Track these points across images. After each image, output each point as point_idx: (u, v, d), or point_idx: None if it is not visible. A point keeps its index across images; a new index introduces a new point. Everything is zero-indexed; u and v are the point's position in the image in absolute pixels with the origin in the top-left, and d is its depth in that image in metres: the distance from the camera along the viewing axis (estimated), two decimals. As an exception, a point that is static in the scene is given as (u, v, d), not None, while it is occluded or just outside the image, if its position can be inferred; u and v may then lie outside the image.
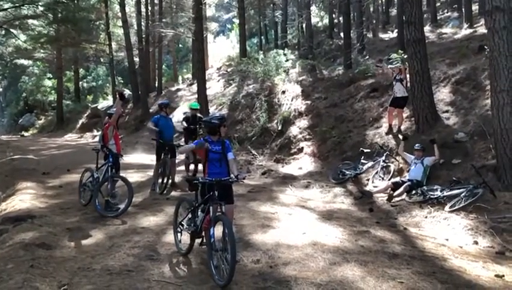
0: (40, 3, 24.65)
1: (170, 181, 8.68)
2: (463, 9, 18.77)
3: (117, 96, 7.84)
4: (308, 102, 13.93)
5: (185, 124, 9.84)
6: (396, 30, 18.24)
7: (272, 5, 27.39)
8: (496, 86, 7.62)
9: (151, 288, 4.29)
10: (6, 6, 24.79)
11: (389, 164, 9.53)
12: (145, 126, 20.38)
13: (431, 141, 8.71)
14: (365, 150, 9.98)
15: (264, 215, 6.93)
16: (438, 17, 20.46)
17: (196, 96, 16.47)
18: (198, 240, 5.01)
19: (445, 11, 22.52)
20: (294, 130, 12.83)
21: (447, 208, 7.23)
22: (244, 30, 23.74)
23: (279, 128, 13.37)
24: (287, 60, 17.38)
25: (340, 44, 19.55)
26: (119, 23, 26.34)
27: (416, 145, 8.74)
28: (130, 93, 24.16)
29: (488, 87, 8.96)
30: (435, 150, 8.53)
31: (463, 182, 7.81)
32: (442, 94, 10.64)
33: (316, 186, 9.47)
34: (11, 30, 26.90)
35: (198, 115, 10.00)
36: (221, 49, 31.16)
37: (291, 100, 14.51)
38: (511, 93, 7.53)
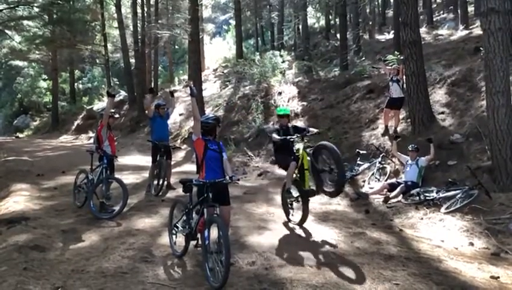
0: (35, 4, 24.60)
1: (166, 183, 8.64)
2: (459, 10, 18.87)
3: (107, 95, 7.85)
4: (305, 103, 13.94)
5: (276, 136, 6.47)
6: (392, 31, 18.28)
7: (268, 7, 27.42)
8: (491, 87, 7.64)
9: (146, 291, 4.26)
10: (1, 7, 24.69)
11: (385, 165, 9.54)
12: (141, 127, 20.38)
13: (428, 140, 8.72)
14: (361, 152, 9.99)
15: (259, 217, 6.91)
16: (434, 19, 20.56)
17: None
18: (193, 242, 4.98)
19: (441, 12, 22.62)
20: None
21: (442, 209, 7.24)
22: (240, 31, 23.75)
23: (276, 129, 13.33)
24: (283, 62, 17.39)
25: (337, 45, 19.59)
26: (115, 24, 26.28)
27: (410, 146, 8.76)
28: (120, 91, 24.03)
29: (483, 88, 8.99)
30: (431, 149, 8.53)
31: (458, 183, 7.82)
32: (438, 95, 10.66)
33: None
34: (6, 31, 26.80)
35: (292, 124, 7.07)
36: (218, 50, 31.12)
37: (288, 101, 14.51)
38: (506, 95, 7.55)
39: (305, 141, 6.47)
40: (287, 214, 6.64)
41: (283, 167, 6.62)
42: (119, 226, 6.40)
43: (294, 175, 6.28)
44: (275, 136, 6.38)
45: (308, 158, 6.18)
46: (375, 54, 17.33)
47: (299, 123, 12.82)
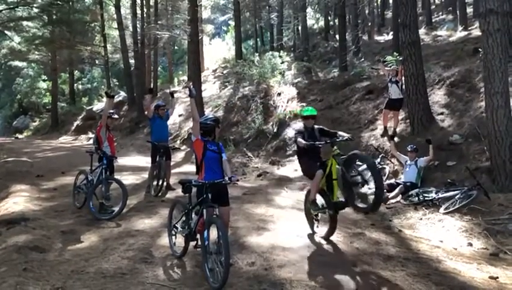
0: (34, 5, 24.60)
1: (165, 183, 8.65)
2: (458, 11, 18.90)
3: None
4: (304, 104, 13.91)
5: (302, 140, 5.73)
6: (391, 32, 18.32)
7: (267, 7, 27.44)
8: (490, 88, 7.66)
9: (145, 291, 4.27)
10: (0, 7, 24.69)
11: (384, 166, 9.55)
12: (141, 128, 20.39)
13: (427, 140, 8.73)
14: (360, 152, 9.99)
15: (259, 217, 6.91)
16: (433, 20, 20.60)
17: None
18: (192, 243, 4.98)
19: (440, 13, 22.66)
20: (289, 132, 12.81)
21: (441, 210, 7.26)
22: (239, 32, 23.78)
23: (275, 130, 13.36)
24: (282, 62, 17.40)
25: (336, 46, 19.62)
26: (115, 25, 26.29)
27: (409, 146, 8.77)
28: (119, 92, 24.04)
29: (482, 89, 9.01)
30: (430, 150, 8.55)
31: (457, 184, 7.84)
32: (437, 96, 10.68)
33: (312, 188, 9.45)
34: (6, 32, 26.82)
35: (319, 126, 6.18)
36: (217, 51, 31.15)
37: (287, 102, 14.52)
38: (505, 96, 7.57)
39: (335, 147, 5.61)
40: (311, 226, 6.06)
41: (308, 175, 5.93)
42: (119, 227, 6.40)
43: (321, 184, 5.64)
44: (301, 140, 5.68)
45: (338, 167, 5.46)
46: (374, 55, 17.36)
47: (299, 124, 12.87)
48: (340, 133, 6.01)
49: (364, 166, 5.56)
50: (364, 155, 5.62)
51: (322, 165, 5.64)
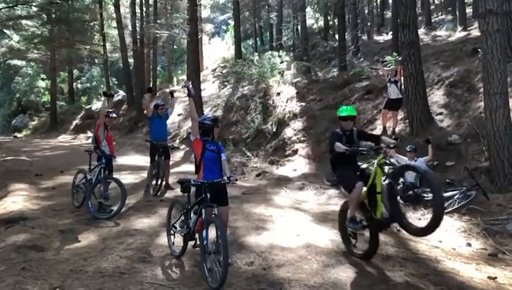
0: (33, 4, 24.54)
1: (164, 183, 8.64)
2: (457, 12, 18.91)
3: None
4: (303, 104, 13.95)
5: (341, 145, 4.89)
6: (391, 32, 18.33)
7: (266, 7, 27.45)
8: (489, 88, 7.66)
9: (144, 291, 4.27)
10: (-1, 6, 24.65)
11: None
12: (140, 127, 20.38)
13: (426, 140, 8.73)
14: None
15: (258, 217, 6.91)
16: (432, 20, 20.61)
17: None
18: (191, 243, 4.98)
19: (440, 13, 22.67)
20: (288, 132, 12.84)
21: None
22: (239, 32, 23.78)
23: (274, 130, 13.37)
24: (281, 62, 17.42)
25: (335, 46, 19.63)
26: (114, 24, 26.26)
27: (408, 146, 8.76)
28: (118, 91, 24.00)
29: (481, 89, 9.01)
30: (429, 150, 8.54)
31: (456, 184, 7.83)
32: (436, 96, 10.69)
33: (311, 188, 9.47)
34: (5, 30, 26.75)
35: (357, 128, 5.54)
36: (216, 50, 31.14)
37: (286, 102, 14.52)
38: (504, 96, 7.57)
39: (381, 154, 4.87)
40: (347, 244, 5.29)
41: (346, 188, 5.14)
42: (118, 226, 6.39)
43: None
44: (340, 144, 4.87)
45: (383, 178, 4.73)
46: (373, 55, 17.37)
47: (298, 124, 12.89)
48: (385, 138, 5.32)
49: (411, 176, 5.12)
50: (419, 167, 4.86)
51: (362, 175, 4.97)
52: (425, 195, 7.65)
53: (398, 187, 4.75)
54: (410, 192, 4.80)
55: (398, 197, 4.70)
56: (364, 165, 5.57)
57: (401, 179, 4.79)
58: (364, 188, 4.84)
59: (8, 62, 33.03)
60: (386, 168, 4.71)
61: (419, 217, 7.26)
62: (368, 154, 4.93)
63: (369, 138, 5.32)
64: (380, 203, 4.72)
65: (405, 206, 4.77)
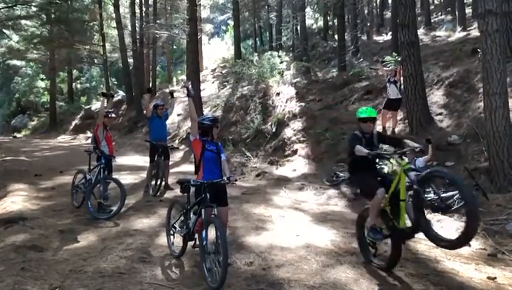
0: (33, 4, 24.49)
1: (163, 183, 8.64)
2: (456, 12, 18.91)
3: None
4: (303, 104, 13.95)
5: (363, 149, 4.62)
6: (390, 32, 18.33)
7: (266, 7, 27.45)
8: (489, 88, 7.65)
9: (144, 291, 4.27)
10: (-1, 6, 24.62)
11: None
12: (139, 128, 20.38)
13: (427, 140, 8.71)
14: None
15: (257, 217, 6.91)
16: (432, 20, 20.60)
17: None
18: (191, 243, 4.98)
19: (439, 14, 22.67)
20: (288, 132, 12.84)
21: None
22: (238, 32, 23.78)
23: (274, 130, 13.36)
24: (281, 62, 17.41)
25: (335, 46, 19.63)
26: (113, 24, 26.25)
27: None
28: (118, 91, 23.98)
29: (481, 90, 9.01)
30: (429, 150, 8.53)
31: (456, 184, 7.81)
32: (436, 97, 10.69)
33: (310, 188, 9.47)
34: (4, 30, 26.71)
35: (378, 130, 5.36)
36: (216, 50, 31.16)
37: (286, 102, 14.52)
38: (504, 96, 7.57)
39: (404, 158, 4.53)
40: (366, 254, 4.98)
41: (367, 194, 4.88)
42: (117, 227, 6.39)
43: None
44: (361, 148, 4.58)
45: (407, 183, 4.40)
46: (373, 55, 17.37)
47: (297, 124, 12.89)
48: (408, 141, 4.93)
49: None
50: (450, 173, 4.38)
51: (383, 181, 4.69)
52: (425, 195, 7.67)
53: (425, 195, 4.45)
54: (439, 203, 4.46)
55: (425, 205, 4.40)
56: (385, 169, 5.17)
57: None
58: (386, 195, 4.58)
59: (8, 62, 33.01)
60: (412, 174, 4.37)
61: (441, 226, 7.21)
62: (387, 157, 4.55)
63: (391, 142, 5.12)
64: (403, 211, 4.43)
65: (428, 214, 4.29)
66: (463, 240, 3.93)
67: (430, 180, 4.42)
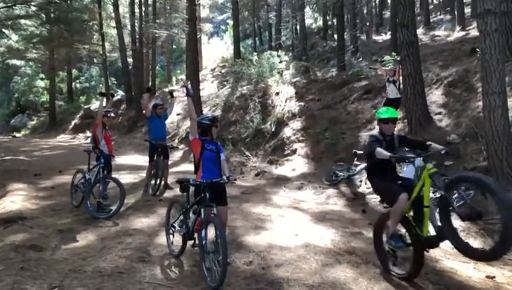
0: (32, 3, 24.46)
1: (163, 182, 8.65)
2: (455, 12, 18.93)
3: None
4: (302, 103, 13.96)
5: (383, 151, 4.38)
6: (389, 32, 18.34)
7: (265, 7, 27.44)
8: (488, 88, 7.66)
9: (143, 290, 4.27)
10: (-2, 6, 24.60)
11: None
12: (139, 127, 20.37)
13: (425, 140, 8.71)
14: (358, 152, 9.99)
15: (257, 216, 6.92)
16: (431, 20, 20.62)
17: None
18: (190, 242, 4.99)
19: (438, 13, 22.69)
20: (287, 132, 12.84)
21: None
22: (238, 31, 23.76)
23: (273, 129, 13.37)
24: (280, 62, 17.43)
25: (334, 46, 19.64)
26: (113, 23, 26.24)
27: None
28: (118, 90, 23.98)
29: (480, 89, 9.01)
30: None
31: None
32: (435, 96, 10.70)
33: (309, 187, 9.48)
34: (3, 30, 26.66)
35: (398, 133, 5.34)
36: (215, 50, 31.16)
37: (285, 102, 14.53)
38: (502, 96, 7.57)
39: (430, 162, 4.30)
40: (385, 263, 4.69)
41: (388, 199, 4.62)
42: (116, 226, 6.40)
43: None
44: (381, 150, 4.32)
45: (432, 188, 4.19)
46: (372, 55, 17.37)
47: (296, 123, 12.90)
48: (431, 143, 4.66)
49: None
50: (483, 177, 4.02)
51: (404, 185, 4.46)
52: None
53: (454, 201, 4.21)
54: (470, 210, 4.03)
55: (453, 213, 4.10)
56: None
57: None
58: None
59: (7, 62, 32.96)
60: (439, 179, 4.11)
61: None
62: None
63: (414, 144, 4.86)
64: (427, 218, 4.18)
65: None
66: (500, 251, 3.66)
67: (457, 185, 4.17)
